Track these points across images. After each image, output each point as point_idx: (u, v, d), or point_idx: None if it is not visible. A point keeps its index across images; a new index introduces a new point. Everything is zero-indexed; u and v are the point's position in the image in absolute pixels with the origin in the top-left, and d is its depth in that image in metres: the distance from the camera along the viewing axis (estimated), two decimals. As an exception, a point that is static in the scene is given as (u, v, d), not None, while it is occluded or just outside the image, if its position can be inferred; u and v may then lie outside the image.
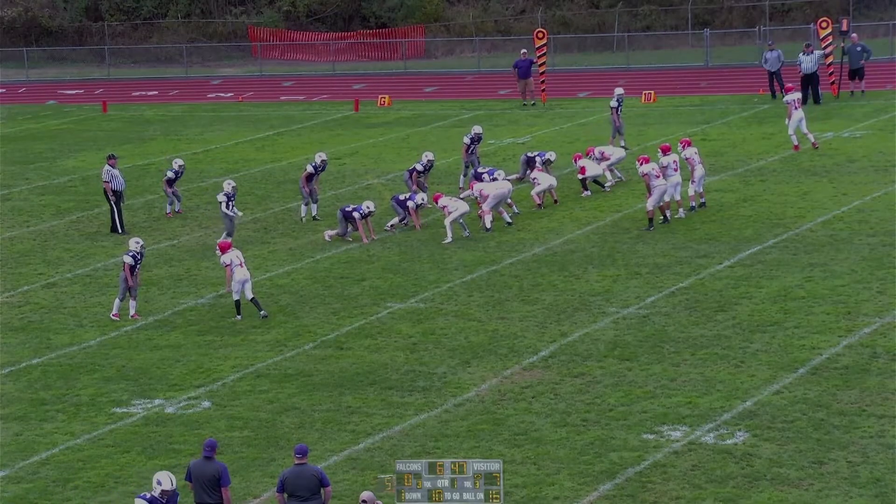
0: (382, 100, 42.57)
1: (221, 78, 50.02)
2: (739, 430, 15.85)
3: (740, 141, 32.00)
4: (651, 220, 24.64)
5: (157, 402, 17.94)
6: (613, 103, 31.38)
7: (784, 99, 31.03)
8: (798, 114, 30.14)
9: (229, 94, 46.55)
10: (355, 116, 40.72)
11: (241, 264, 21.19)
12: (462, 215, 25.06)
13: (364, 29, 55.94)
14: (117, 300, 21.65)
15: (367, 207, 25.16)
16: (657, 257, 23.10)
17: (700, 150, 26.69)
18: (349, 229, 25.40)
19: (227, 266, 21.21)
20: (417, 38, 55.15)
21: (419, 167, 27.51)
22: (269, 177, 32.17)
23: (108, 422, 17.37)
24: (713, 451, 15.38)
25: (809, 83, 36.64)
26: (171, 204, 28.45)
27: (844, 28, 39.03)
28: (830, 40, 38.55)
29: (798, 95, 30.62)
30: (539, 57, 41.66)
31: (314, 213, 27.27)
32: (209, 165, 33.68)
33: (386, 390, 17.83)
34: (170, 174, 28.35)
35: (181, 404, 17.80)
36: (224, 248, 21.37)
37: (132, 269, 21.39)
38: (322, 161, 27.57)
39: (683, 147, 25.79)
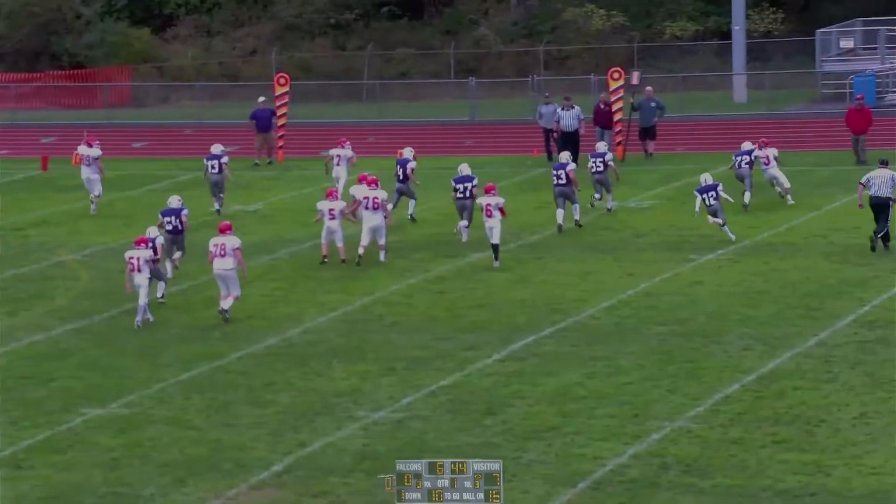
0: (79, 157, 41.95)
1: None
2: (511, 557, 16.14)
3: (512, 211, 32.84)
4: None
5: None
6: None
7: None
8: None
9: None
10: (43, 177, 40.01)
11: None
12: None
13: (55, 69, 55.16)
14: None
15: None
16: (415, 349, 23.43)
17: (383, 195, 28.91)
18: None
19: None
20: (122, 81, 54.71)
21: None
22: (-68, 251, 31.22)
23: None
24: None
25: (569, 143, 37.80)
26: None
27: (635, 82, 40.84)
28: (621, 94, 40.26)
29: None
30: (280, 106, 41.96)
31: None
32: None
33: (80, 518, 17.47)
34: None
35: None
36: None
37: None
38: None
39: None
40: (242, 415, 20.74)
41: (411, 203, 32.57)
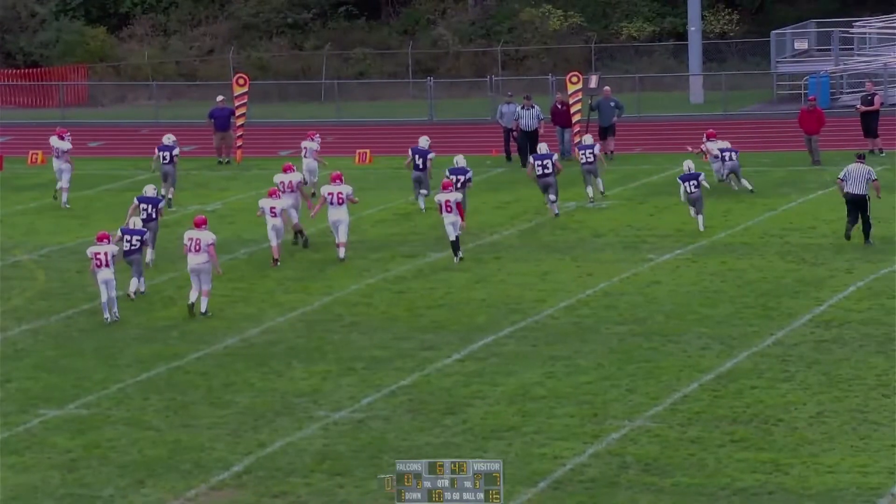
0: (34, 156, 41.81)
1: None
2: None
3: (471, 211, 32.93)
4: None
5: None
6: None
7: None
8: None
9: None
10: None
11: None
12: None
13: (9, 68, 54.89)
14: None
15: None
16: (375, 349, 23.46)
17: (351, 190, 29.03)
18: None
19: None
20: (78, 80, 54.52)
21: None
22: None
23: None
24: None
25: (529, 143, 38.10)
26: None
27: (593, 85, 41.16)
28: (579, 96, 40.45)
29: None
30: (239, 107, 41.94)
31: None
32: None
33: (39, 520, 17.44)
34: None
35: None
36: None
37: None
38: None
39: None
40: (202, 415, 20.72)
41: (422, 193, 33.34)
